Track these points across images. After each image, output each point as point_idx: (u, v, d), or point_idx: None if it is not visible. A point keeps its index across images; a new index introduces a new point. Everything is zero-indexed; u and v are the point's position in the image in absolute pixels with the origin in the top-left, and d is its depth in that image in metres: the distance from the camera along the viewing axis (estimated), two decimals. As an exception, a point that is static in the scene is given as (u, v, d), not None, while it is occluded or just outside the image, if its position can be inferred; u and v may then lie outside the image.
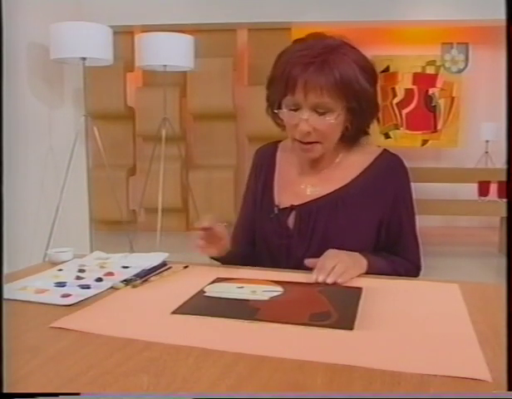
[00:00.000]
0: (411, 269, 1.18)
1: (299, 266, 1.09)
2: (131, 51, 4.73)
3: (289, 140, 1.19)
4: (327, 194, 1.18)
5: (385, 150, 1.22)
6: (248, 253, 1.26)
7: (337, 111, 1.09)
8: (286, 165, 1.27)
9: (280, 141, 1.32)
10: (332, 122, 1.09)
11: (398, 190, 1.18)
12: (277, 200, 1.23)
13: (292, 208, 1.20)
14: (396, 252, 1.19)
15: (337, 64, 1.06)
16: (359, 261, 1.08)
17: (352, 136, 1.18)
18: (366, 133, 1.21)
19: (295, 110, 1.10)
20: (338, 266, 0.99)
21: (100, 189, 3.98)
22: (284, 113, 1.12)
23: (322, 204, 1.17)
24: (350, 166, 1.20)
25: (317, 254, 1.06)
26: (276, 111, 1.15)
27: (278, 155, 1.30)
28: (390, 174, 1.18)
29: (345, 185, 1.18)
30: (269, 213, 1.22)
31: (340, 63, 1.06)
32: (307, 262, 1.07)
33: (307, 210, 1.18)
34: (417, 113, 6.07)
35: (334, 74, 1.05)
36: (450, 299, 0.91)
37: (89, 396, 0.57)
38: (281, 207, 1.21)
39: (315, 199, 1.19)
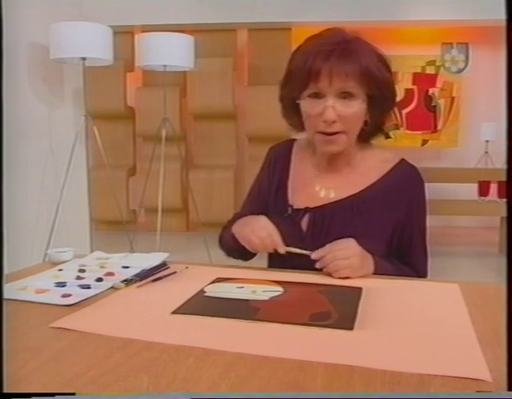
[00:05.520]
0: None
1: (310, 269, 1.07)
2: (131, 51, 4.74)
3: (304, 139, 1.17)
4: (343, 199, 1.17)
5: (403, 159, 1.20)
6: None
7: (361, 98, 1.09)
8: (301, 164, 1.25)
9: (295, 140, 1.30)
10: (357, 108, 1.09)
11: (414, 201, 1.18)
12: (291, 200, 1.21)
13: (306, 210, 1.18)
14: (405, 261, 1.18)
15: (358, 51, 1.08)
16: (367, 263, 1.07)
17: (370, 132, 1.17)
18: (383, 131, 1.20)
19: (318, 99, 1.09)
20: (350, 260, 1.01)
21: (100, 189, 3.97)
22: (307, 102, 1.10)
23: (338, 208, 1.16)
24: (367, 172, 1.18)
25: None
26: (298, 102, 1.12)
27: (294, 153, 1.27)
28: (407, 185, 1.17)
29: (362, 191, 1.17)
30: (283, 212, 1.20)
31: (360, 51, 1.08)
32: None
33: (322, 213, 1.17)
34: (417, 113, 6.07)
35: (358, 59, 1.07)
36: (450, 299, 0.91)
37: (88, 397, 0.57)
38: (295, 207, 1.20)
39: (330, 203, 1.17)
